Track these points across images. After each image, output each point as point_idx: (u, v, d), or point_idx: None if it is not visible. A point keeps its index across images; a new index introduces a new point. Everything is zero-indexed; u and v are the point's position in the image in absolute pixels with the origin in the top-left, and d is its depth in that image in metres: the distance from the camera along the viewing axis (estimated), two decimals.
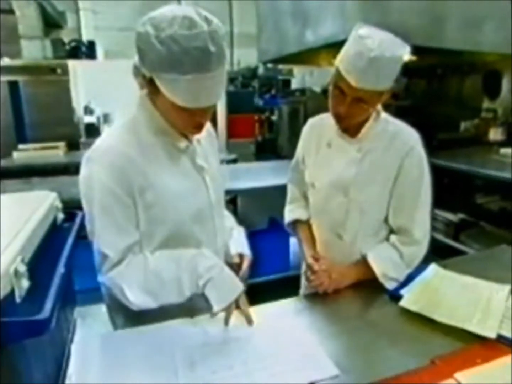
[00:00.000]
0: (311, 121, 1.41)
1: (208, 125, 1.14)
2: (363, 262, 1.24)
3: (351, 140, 1.26)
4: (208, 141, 1.19)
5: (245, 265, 1.15)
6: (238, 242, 1.24)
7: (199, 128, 1.02)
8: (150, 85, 0.93)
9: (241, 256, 1.18)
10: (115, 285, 0.99)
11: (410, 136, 1.23)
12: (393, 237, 1.26)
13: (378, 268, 1.21)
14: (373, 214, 1.26)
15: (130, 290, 0.97)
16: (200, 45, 0.84)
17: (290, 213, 1.48)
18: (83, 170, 0.99)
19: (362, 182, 1.23)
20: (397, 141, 1.22)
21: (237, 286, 1.02)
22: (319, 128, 1.36)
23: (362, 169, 1.23)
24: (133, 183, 0.97)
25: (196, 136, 1.10)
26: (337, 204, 1.27)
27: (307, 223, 1.43)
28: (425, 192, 1.24)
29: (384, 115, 1.26)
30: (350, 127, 1.25)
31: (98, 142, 1.01)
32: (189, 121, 0.98)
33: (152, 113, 1.02)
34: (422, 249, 1.26)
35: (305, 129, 1.42)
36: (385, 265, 1.22)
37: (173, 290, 1.00)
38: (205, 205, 1.11)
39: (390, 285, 1.20)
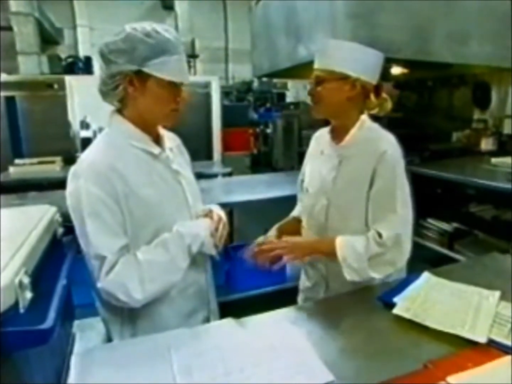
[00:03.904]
0: (315, 134, 1.53)
1: (177, 138, 1.32)
2: (329, 240, 1.27)
3: (335, 147, 1.35)
4: (179, 152, 1.30)
5: (215, 217, 1.23)
6: (209, 206, 1.34)
7: (175, 112, 1.14)
8: (131, 84, 1.06)
9: (210, 211, 1.26)
10: (117, 286, 1.03)
11: (384, 141, 1.29)
12: (371, 232, 1.25)
13: (340, 251, 1.23)
14: (353, 218, 1.30)
15: (133, 286, 1.03)
16: (173, 35, 1.08)
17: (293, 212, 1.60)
18: (70, 185, 1.06)
19: (340, 187, 1.31)
20: (370, 147, 1.28)
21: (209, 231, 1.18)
22: (319, 140, 1.48)
23: (340, 174, 1.31)
24: (118, 190, 1.05)
25: (167, 145, 1.21)
26: (320, 207, 1.35)
27: (294, 218, 1.56)
28: (400, 196, 1.25)
29: (369, 124, 1.33)
30: (337, 132, 1.36)
31: (82, 157, 1.09)
32: (169, 103, 1.11)
33: (124, 124, 1.13)
34: (390, 253, 1.23)
35: (311, 140, 1.53)
36: (348, 251, 1.22)
37: (170, 269, 1.10)
38: (184, 207, 1.21)
39: (347, 273, 1.22)
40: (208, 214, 1.25)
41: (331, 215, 1.33)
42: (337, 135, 1.36)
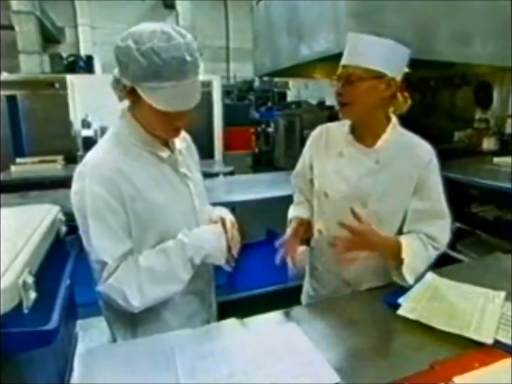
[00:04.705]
0: (319, 129, 1.42)
1: (188, 137, 1.26)
2: (394, 241, 1.23)
3: (366, 150, 1.27)
4: (188, 151, 1.25)
5: (228, 225, 1.17)
6: (219, 211, 1.29)
7: (177, 130, 1.09)
8: (130, 94, 1.02)
9: (222, 219, 1.19)
10: (115, 292, 1.02)
11: (427, 149, 1.27)
12: (422, 236, 1.25)
13: (407, 256, 1.19)
14: (390, 225, 1.28)
15: (131, 292, 1.01)
16: (177, 55, 0.95)
17: (292, 212, 1.47)
18: (75, 185, 1.04)
19: (381, 193, 1.25)
20: (415, 154, 1.25)
21: (219, 242, 1.12)
22: (328, 136, 1.37)
23: (380, 180, 1.24)
24: (124, 193, 1.02)
25: (178, 146, 1.17)
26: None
27: (304, 221, 1.41)
28: (444, 202, 1.28)
29: (400, 128, 1.29)
30: (363, 134, 1.28)
31: (88, 157, 1.06)
32: (168, 124, 1.05)
33: (133, 125, 1.09)
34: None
35: (313, 137, 1.42)
36: (413, 256, 1.20)
37: (170, 279, 1.07)
38: (190, 211, 1.17)
39: (410, 279, 1.20)
40: (220, 220, 1.18)
41: (370, 223, 1.21)
42: (363, 136, 1.28)
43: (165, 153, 1.11)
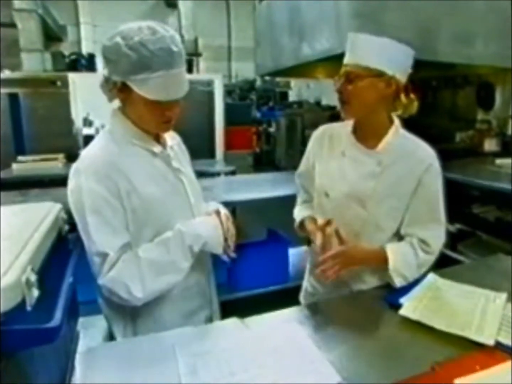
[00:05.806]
0: (323, 128, 1.42)
1: (177, 137, 1.30)
2: (379, 250, 1.25)
3: (368, 152, 1.27)
4: (179, 149, 1.28)
5: (223, 218, 1.19)
6: (213, 205, 1.32)
7: (168, 123, 1.13)
8: (121, 91, 1.05)
9: (217, 212, 1.22)
10: (118, 285, 1.03)
11: (428, 153, 1.27)
12: (414, 240, 1.27)
13: (392, 261, 1.22)
14: (387, 227, 1.28)
15: (134, 284, 1.03)
16: (164, 46, 1.01)
17: (299, 212, 1.48)
18: (71, 182, 1.06)
19: (380, 196, 1.25)
20: (415, 157, 1.25)
21: (216, 232, 1.16)
22: (331, 136, 1.37)
23: (381, 183, 1.25)
24: (120, 188, 1.04)
25: (168, 143, 1.20)
26: (353, 215, 1.28)
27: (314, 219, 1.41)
28: (442, 207, 1.27)
29: (402, 130, 1.29)
30: (365, 134, 1.28)
31: (83, 154, 1.09)
32: (160, 116, 1.08)
33: (125, 123, 1.12)
34: (433, 259, 1.29)
35: (316, 136, 1.42)
36: (400, 260, 1.23)
37: (171, 269, 1.09)
38: (186, 206, 1.19)
39: (398, 282, 1.23)
40: (215, 213, 1.21)
41: (368, 224, 1.27)
42: (366, 137, 1.28)
43: (156, 148, 1.15)
